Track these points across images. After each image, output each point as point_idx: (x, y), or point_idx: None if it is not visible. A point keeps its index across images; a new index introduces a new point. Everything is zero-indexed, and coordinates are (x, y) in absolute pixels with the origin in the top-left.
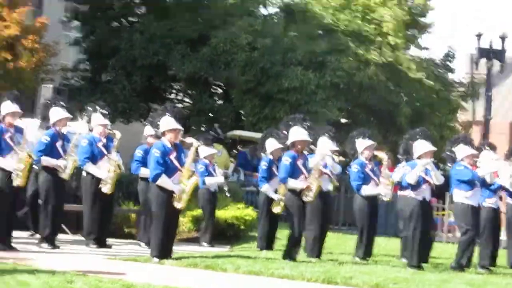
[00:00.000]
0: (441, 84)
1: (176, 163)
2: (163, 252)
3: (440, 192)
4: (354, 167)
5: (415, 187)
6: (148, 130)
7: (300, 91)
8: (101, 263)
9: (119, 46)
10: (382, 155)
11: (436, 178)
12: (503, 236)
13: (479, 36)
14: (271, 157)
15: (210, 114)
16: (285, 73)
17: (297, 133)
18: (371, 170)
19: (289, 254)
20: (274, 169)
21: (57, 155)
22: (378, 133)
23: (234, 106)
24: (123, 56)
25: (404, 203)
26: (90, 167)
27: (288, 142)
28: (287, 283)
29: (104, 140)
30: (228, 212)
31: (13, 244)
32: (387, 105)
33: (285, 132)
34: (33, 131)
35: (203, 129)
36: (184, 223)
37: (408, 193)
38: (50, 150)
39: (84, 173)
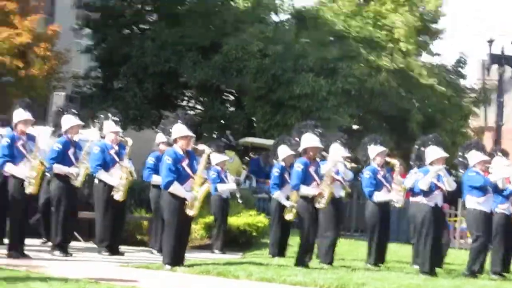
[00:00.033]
0: (452, 90)
1: (188, 170)
2: (175, 259)
3: (453, 198)
4: (366, 174)
5: (427, 193)
6: (160, 137)
7: (312, 98)
8: (114, 271)
9: (130, 53)
10: (394, 161)
11: (449, 184)
12: None
13: (491, 42)
14: (283, 164)
15: (221, 121)
16: (297, 79)
17: (309, 139)
18: (383, 177)
19: (301, 260)
20: (286, 176)
21: (69, 163)
22: (390, 140)
23: (245, 113)
24: (134, 63)
25: (416, 209)
26: (102, 175)
27: (300, 149)
28: None
29: (116, 147)
30: (240, 219)
31: (26, 252)
32: (398, 111)
33: (297, 138)
34: (45, 139)
35: (214, 136)
36: (196, 230)
37: (420, 199)
38: (62, 157)
39: (96, 181)
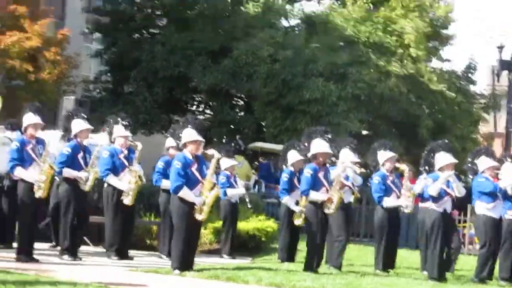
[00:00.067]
0: (462, 96)
1: (197, 174)
2: (184, 264)
3: (462, 204)
4: (375, 179)
5: (436, 199)
6: (170, 141)
7: (322, 103)
8: (123, 275)
9: (140, 57)
10: (404, 167)
11: (458, 190)
12: None
13: (500, 48)
14: (292, 169)
15: (231, 126)
16: (307, 84)
17: (319, 145)
18: (392, 182)
19: (310, 266)
20: (295, 181)
21: (78, 167)
22: (400, 145)
23: (255, 118)
24: (144, 67)
25: (425, 215)
26: (111, 179)
27: (310, 154)
28: None
29: (126, 152)
30: (249, 224)
31: (35, 256)
32: (408, 117)
33: (306, 144)
34: (55, 143)
35: (224, 140)
36: (206, 234)
37: (429, 205)
38: (71, 161)
39: (105, 185)
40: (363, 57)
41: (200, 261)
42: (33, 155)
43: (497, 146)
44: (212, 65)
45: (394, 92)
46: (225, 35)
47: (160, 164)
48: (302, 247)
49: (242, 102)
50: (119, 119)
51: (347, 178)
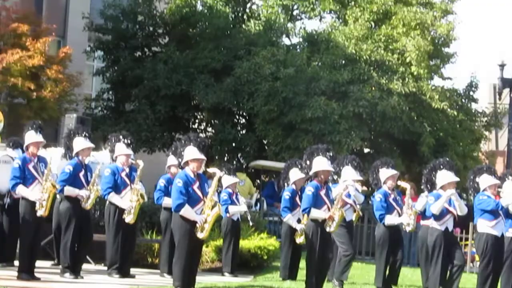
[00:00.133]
0: (464, 114)
1: (199, 193)
2: (186, 282)
3: (464, 222)
4: (377, 197)
5: (438, 217)
6: (171, 159)
7: (324, 121)
8: None
9: (142, 75)
10: (405, 185)
11: (460, 208)
12: None
13: (502, 66)
14: (294, 187)
15: (233, 144)
16: (308, 103)
17: (320, 163)
18: (394, 200)
19: (311, 284)
20: (297, 199)
21: (80, 185)
22: (401, 163)
23: (257, 136)
24: (146, 85)
25: (427, 233)
26: (113, 197)
27: (311, 172)
28: None
29: (127, 170)
30: (251, 242)
31: (36, 274)
32: (410, 135)
33: (308, 162)
34: (57, 161)
35: (226, 159)
36: (207, 252)
37: (431, 222)
38: (73, 180)
39: (107, 203)
40: (365, 75)
41: (201, 279)
42: (35, 173)
43: (499, 164)
44: (215, 83)
45: (395, 110)
46: (226, 53)
47: (161, 182)
48: (304, 265)
49: (243, 120)
50: (121, 137)
51: (349, 196)
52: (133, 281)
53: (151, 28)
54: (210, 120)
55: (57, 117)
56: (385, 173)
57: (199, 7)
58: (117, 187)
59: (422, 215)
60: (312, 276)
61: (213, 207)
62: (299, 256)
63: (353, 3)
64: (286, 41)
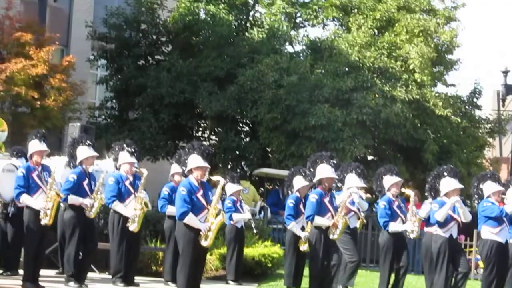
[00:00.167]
0: (468, 121)
1: (203, 201)
2: None
3: (468, 229)
4: (381, 204)
5: (442, 224)
6: (175, 168)
7: (327, 129)
8: None
9: (146, 84)
10: (409, 192)
11: (464, 215)
12: None
13: (505, 73)
14: (298, 194)
15: (236, 152)
16: (312, 110)
17: (324, 170)
18: (398, 207)
19: None
20: (301, 206)
21: (83, 194)
22: (405, 170)
23: (260, 144)
24: (150, 94)
25: (431, 240)
26: (117, 206)
27: (315, 180)
28: None
29: (131, 178)
30: (255, 250)
31: (41, 283)
32: (413, 142)
33: (311, 169)
34: (60, 170)
35: (229, 166)
36: (211, 261)
37: (435, 229)
38: (77, 188)
39: (111, 211)
40: (368, 83)
41: (206, 287)
42: (39, 182)
43: (503, 171)
44: (218, 91)
45: (399, 117)
46: (230, 61)
47: (165, 190)
48: (308, 272)
49: (247, 128)
50: (124, 145)
51: (353, 203)
52: None
53: (154, 37)
54: (213, 128)
55: (61, 126)
56: (389, 180)
57: (202, 15)
58: (121, 195)
59: (426, 222)
60: (316, 284)
61: (217, 215)
62: (303, 264)
63: (356, 10)
64: (289, 48)
